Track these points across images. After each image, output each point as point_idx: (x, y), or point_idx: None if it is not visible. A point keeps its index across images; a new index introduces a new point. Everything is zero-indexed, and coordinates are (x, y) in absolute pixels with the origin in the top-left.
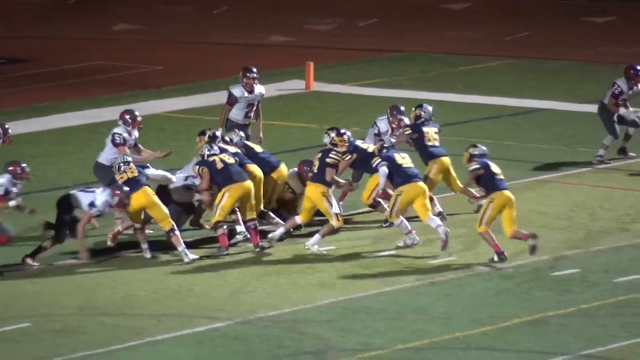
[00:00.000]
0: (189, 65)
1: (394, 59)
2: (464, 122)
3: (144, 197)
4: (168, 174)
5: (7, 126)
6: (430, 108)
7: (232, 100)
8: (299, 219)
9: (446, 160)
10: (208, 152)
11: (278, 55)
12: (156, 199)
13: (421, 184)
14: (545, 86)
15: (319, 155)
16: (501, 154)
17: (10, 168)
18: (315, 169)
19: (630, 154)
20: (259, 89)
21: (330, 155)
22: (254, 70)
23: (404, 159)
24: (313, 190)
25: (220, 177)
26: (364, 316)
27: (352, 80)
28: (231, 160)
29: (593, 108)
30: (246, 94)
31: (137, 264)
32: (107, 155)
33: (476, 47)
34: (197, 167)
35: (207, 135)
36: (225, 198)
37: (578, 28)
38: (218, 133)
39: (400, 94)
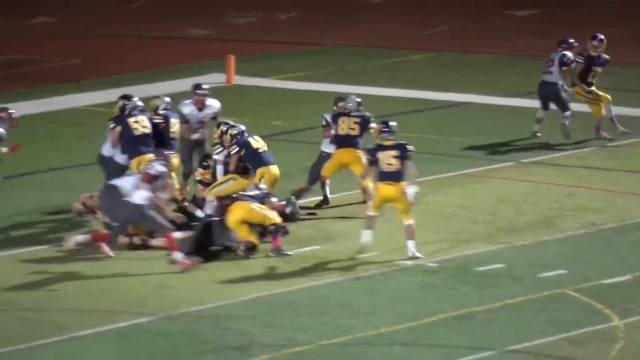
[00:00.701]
0: (106, 59)
1: (315, 52)
2: (384, 115)
3: None
4: None
5: (10, 110)
6: (355, 99)
7: (185, 119)
8: None
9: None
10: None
11: (198, 49)
12: None
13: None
14: (467, 79)
15: None
16: (425, 148)
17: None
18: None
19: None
20: (211, 103)
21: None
22: (204, 87)
23: (258, 142)
24: None
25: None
26: (289, 311)
27: (273, 74)
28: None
29: (515, 102)
30: (195, 112)
31: (63, 259)
32: (109, 147)
33: (396, 41)
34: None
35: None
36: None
37: (498, 21)
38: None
39: (321, 87)
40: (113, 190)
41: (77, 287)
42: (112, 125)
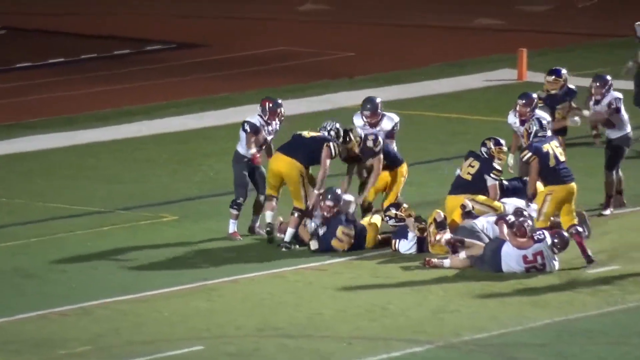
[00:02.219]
0: (382, 52)
1: (616, 44)
2: None
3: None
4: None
5: (278, 102)
6: None
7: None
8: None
9: None
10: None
11: (486, 41)
12: None
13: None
14: None
15: (471, 161)
16: None
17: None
18: (465, 176)
19: None
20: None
21: (492, 174)
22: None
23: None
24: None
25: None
26: (583, 340)
27: (570, 70)
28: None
29: None
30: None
31: (320, 278)
32: (242, 144)
33: None
34: (528, 154)
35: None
36: (548, 202)
37: None
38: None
39: (622, 85)
40: None
41: (342, 311)
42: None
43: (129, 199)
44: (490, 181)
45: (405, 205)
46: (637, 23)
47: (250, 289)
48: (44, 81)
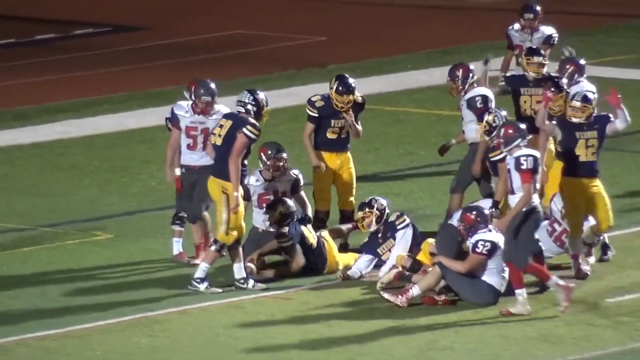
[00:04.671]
0: (360, 36)
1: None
2: None
3: None
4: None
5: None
6: None
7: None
8: None
9: None
10: None
11: (484, 22)
12: None
13: None
14: None
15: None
16: None
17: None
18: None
19: None
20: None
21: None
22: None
23: None
24: None
25: None
26: None
27: (587, 58)
28: None
29: None
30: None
31: (285, 309)
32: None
33: None
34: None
35: None
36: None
37: None
38: None
39: None
40: None
41: (309, 349)
42: None
43: (53, 214)
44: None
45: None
46: (511, 28)
47: (202, 322)
48: None
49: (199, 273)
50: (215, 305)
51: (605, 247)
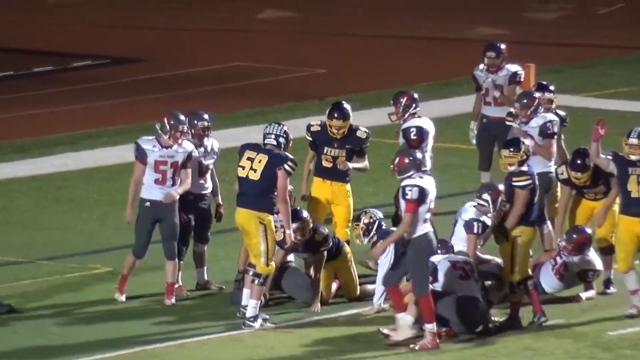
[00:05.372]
0: (359, 69)
1: None
2: None
3: None
4: None
5: (182, 119)
6: None
7: None
8: None
9: None
10: None
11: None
12: None
13: None
14: None
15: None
16: None
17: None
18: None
19: None
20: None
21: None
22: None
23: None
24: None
25: None
26: None
27: (587, 90)
28: None
29: None
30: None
31: (285, 342)
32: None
33: None
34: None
35: None
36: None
37: None
38: None
39: None
40: None
41: None
42: None
43: (52, 247)
44: None
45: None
46: (477, 68)
47: (200, 356)
48: None
49: (250, 312)
50: (214, 339)
51: (608, 283)
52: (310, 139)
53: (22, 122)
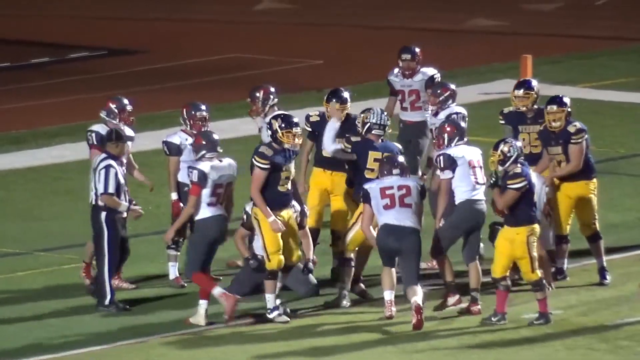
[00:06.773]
0: (356, 60)
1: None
2: None
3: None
4: None
5: (125, 102)
6: None
7: None
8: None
9: None
10: None
11: (482, 46)
12: None
13: None
14: None
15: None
16: None
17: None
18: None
19: None
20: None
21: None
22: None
23: None
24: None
25: None
26: None
27: (584, 80)
28: None
29: None
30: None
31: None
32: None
33: None
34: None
35: None
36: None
37: None
38: None
39: None
40: None
41: None
42: None
43: (49, 238)
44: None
45: None
46: (391, 73)
47: (198, 347)
48: None
49: (269, 304)
50: (212, 330)
51: (603, 271)
52: (310, 129)
53: (19, 113)
